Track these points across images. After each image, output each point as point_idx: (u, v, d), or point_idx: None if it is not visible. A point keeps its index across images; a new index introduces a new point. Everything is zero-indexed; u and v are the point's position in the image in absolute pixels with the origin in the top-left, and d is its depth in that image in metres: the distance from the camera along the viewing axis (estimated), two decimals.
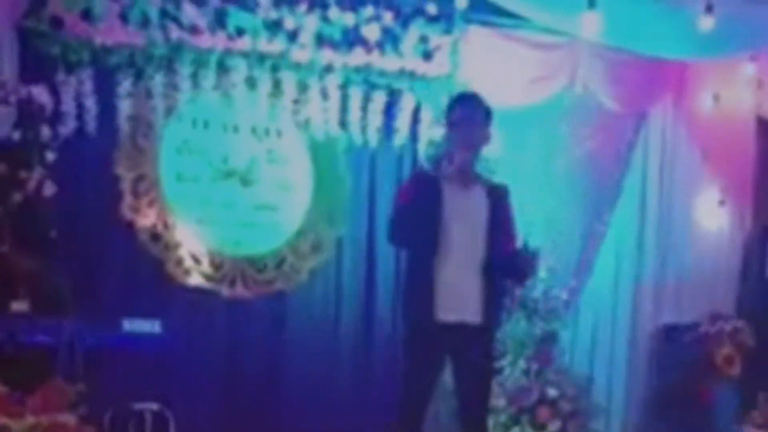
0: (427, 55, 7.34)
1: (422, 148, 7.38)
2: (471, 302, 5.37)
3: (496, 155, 7.51)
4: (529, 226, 7.58)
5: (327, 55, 7.06)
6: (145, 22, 6.65)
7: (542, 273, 7.61)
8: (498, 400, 7.31)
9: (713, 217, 8.35)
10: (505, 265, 5.41)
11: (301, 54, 6.99)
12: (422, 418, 5.54)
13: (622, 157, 8.15)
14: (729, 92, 8.20)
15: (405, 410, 5.55)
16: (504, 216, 5.55)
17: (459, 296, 5.35)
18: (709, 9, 6.83)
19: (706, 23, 6.92)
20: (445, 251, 5.33)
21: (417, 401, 5.49)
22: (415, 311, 5.43)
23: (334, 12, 7.06)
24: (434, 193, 5.33)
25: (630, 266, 8.22)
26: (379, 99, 7.27)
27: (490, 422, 7.22)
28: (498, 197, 5.54)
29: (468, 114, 5.45)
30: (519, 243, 5.46)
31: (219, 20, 6.82)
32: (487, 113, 5.52)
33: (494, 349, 5.77)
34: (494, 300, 5.49)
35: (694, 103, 8.30)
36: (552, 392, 7.42)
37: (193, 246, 6.92)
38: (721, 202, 8.31)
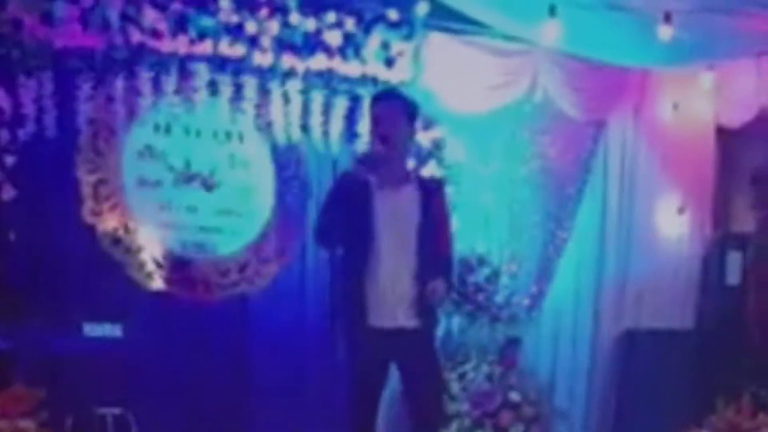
0: (389, 62, 7.33)
1: None
2: (404, 307, 5.33)
3: (457, 161, 7.58)
4: (491, 232, 7.75)
5: (288, 60, 7.03)
6: (105, 26, 6.55)
7: (504, 279, 7.67)
8: (461, 405, 7.35)
9: (673, 224, 8.43)
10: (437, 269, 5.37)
11: (262, 58, 6.96)
12: (372, 423, 5.51)
13: (583, 164, 8.21)
14: (688, 101, 8.28)
15: (353, 419, 5.52)
16: (438, 213, 5.48)
17: (391, 302, 5.30)
18: (667, 18, 6.87)
19: (665, 32, 6.95)
20: (376, 256, 5.28)
21: (363, 408, 5.45)
22: (348, 318, 5.41)
23: (295, 17, 7.02)
24: (362, 197, 5.29)
25: (591, 273, 8.27)
26: (341, 104, 7.25)
27: (453, 427, 7.28)
28: (430, 193, 5.48)
29: (385, 111, 5.41)
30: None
31: (180, 24, 6.73)
32: (408, 109, 5.47)
33: (435, 351, 5.74)
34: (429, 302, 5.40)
35: (654, 112, 8.39)
36: (515, 396, 7.47)
37: (155, 250, 6.85)
38: (681, 210, 8.38)
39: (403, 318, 5.32)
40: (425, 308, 5.34)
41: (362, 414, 5.43)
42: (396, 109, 5.41)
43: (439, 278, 5.27)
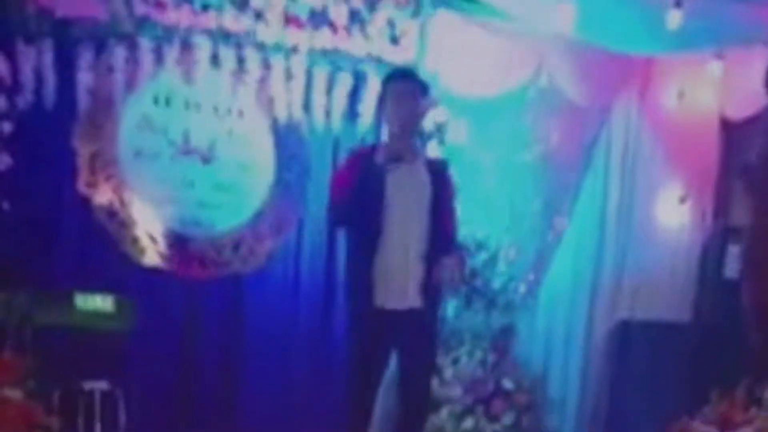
0: (394, 40, 7.26)
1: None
2: (412, 288, 5.33)
3: (459, 144, 7.51)
4: (490, 216, 7.68)
5: (293, 36, 6.96)
6: None
7: (502, 265, 7.61)
8: (453, 390, 7.29)
9: (674, 214, 8.33)
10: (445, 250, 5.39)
11: (266, 33, 6.89)
12: (371, 407, 5.50)
13: (585, 150, 8.12)
14: (694, 90, 8.16)
15: (352, 400, 5.50)
16: (445, 193, 5.53)
17: (400, 282, 5.31)
18: (677, 3, 6.79)
19: (675, 18, 6.88)
20: (386, 234, 5.29)
21: (364, 390, 5.45)
22: (357, 298, 5.39)
23: None
24: (375, 176, 5.29)
25: (589, 261, 8.17)
26: (344, 82, 7.18)
27: (444, 412, 7.24)
28: (439, 173, 5.52)
29: (402, 90, 5.44)
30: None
31: None
32: (423, 89, 5.51)
33: (436, 334, 5.75)
34: (434, 281, 5.43)
35: (659, 99, 8.26)
36: (507, 384, 7.43)
37: (150, 224, 6.80)
38: (683, 199, 8.29)
39: (411, 298, 5.32)
40: (432, 289, 5.37)
41: (361, 396, 5.42)
42: (412, 89, 5.45)
43: (453, 255, 5.34)
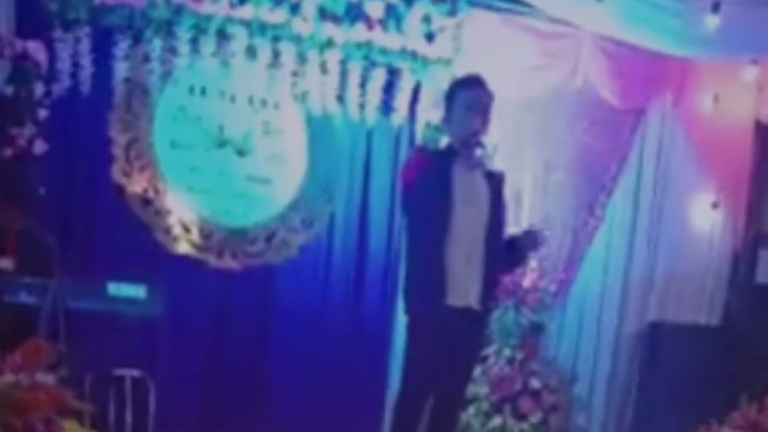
0: (430, 36, 7.25)
1: (420, 130, 7.29)
2: (474, 288, 5.33)
3: (492, 142, 7.47)
4: (522, 215, 7.66)
5: (328, 29, 6.95)
6: None
7: (533, 263, 7.58)
8: (481, 388, 7.27)
9: (706, 219, 8.29)
10: (505, 250, 5.45)
11: (302, 26, 6.88)
12: (422, 410, 5.45)
13: (619, 152, 8.08)
14: (729, 94, 8.13)
15: (405, 401, 5.44)
16: (501, 203, 5.55)
17: (464, 281, 5.31)
18: (716, 8, 6.76)
19: (712, 22, 6.86)
20: (453, 235, 5.29)
21: (420, 391, 5.40)
22: (424, 296, 5.36)
23: None
24: (444, 175, 5.31)
25: (619, 263, 8.14)
26: (379, 77, 7.17)
27: (472, 410, 7.22)
28: (496, 183, 5.54)
29: (480, 96, 5.47)
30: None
31: None
32: (492, 97, 5.54)
33: (486, 338, 5.79)
34: (491, 287, 5.47)
35: (694, 103, 8.22)
36: (535, 383, 7.40)
37: (183, 214, 6.82)
38: (715, 205, 8.25)
39: (473, 298, 5.32)
40: (490, 293, 5.40)
41: (415, 398, 5.38)
42: (487, 96, 5.48)
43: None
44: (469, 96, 5.47)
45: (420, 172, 5.33)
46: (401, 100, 7.24)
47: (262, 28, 6.83)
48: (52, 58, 6.33)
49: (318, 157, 7.21)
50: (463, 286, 5.30)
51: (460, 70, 6.95)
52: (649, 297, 8.19)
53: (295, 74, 7.00)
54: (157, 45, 6.65)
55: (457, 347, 5.36)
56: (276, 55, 6.94)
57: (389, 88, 7.24)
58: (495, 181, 5.54)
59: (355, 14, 7.04)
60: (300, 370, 7.05)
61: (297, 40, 6.93)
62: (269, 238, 7.08)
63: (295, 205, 7.15)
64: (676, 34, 7.39)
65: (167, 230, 6.79)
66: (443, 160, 5.35)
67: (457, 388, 5.57)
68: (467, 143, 5.34)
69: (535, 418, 7.33)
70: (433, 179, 5.28)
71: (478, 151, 5.34)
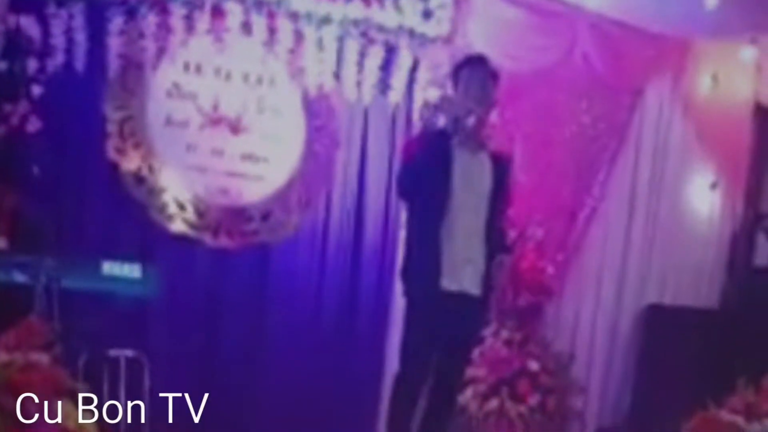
0: (427, 14, 7.16)
1: (417, 108, 7.20)
2: (472, 272, 5.30)
3: (490, 120, 7.41)
4: (519, 195, 7.59)
5: (325, 6, 6.86)
6: None
7: (530, 244, 7.54)
8: (478, 370, 7.22)
9: (704, 199, 8.27)
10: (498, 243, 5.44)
11: (299, 2, 6.79)
12: (419, 392, 5.43)
13: (617, 132, 8.05)
14: (728, 75, 8.10)
15: (403, 382, 5.42)
16: (506, 189, 5.54)
17: (461, 265, 5.28)
18: None
19: (711, 1, 6.82)
20: (452, 217, 5.24)
21: (417, 373, 5.37)
22: (420, 280, 5.34)
23: None
24: (444, 156, 5.26)
25: (617, 244, 8.11)
26: (376, 54, 7.07)
27: (469, 392, 7.17)
28: (502, 166, 5.51)
29: (481, 77, 5.45)
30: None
31: None
32: (497, 77, 5.52)
33: (484, 323, 5.76)
34: (491, 271, 5.43)
35: (693, 83, 8.19)
36: (533, 365, 7.35)
37: (178, 192, 6.73)
38: (714, 185, 8.22)
39: (468, 283, 5.27)
40: (489, 278, 5.36)
41: (412, 379, 5.36)
42: (489, 76, 5.46)
43: (504, 255, 5.49)
44: (465, 75, 5.47)
45: (421, 149, 5.27)
46: (398, 79, 7.16)
47: (258, 4, 6.73)
48: (46, 33, 6.24)
49: (315, 135, 7.12)
50: (460, 271, 5.27)
51: (458, 49, 6.91)
52: (647, 279, 8.17)
53: (291, 51, 6.91)
54: (151, 21, 6.54)
55: (454, 331, 5.33)
56: (272, 31, 6.83)
57: (386, 66, 7.14)
58: (501, 164, 5.50)
59: None
60: (296, 350, 6.99)
61: (293, 16, 6.84)
62: (265, 217, 6.98)
63: (291, 184, 7.06)
64: (674, 13, 7.34)
65: (162, 209, 6.69)
66: (444, 140, 5.28)
67: (454, 372, 5.58)
68: (460, 123, 5.29)
69: (533, 400, 7.29)
70: (433, 158, 5.23)
71: (472, 130, 5.30)
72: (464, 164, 5.31)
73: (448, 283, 5.25)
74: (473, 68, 5.48)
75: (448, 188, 5.25)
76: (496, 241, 5.41)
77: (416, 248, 5.39)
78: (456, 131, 5.27)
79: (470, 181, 5.32)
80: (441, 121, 5.30)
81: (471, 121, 5.28)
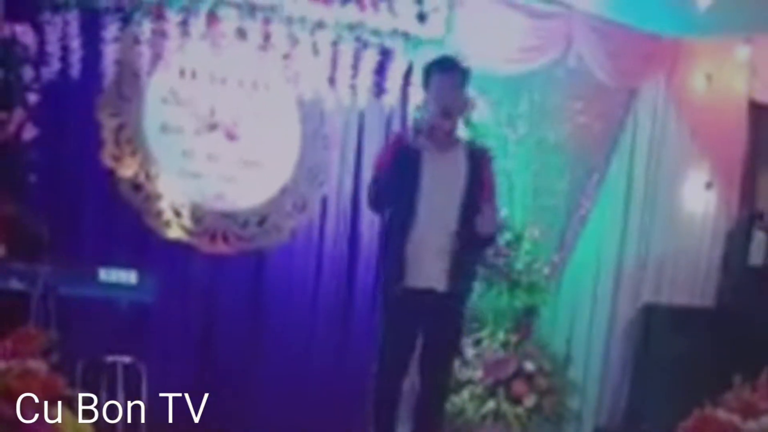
0: (422, 17, 7.18)
1: (411, 111, 7.23)
2: (438, 268, 5.34)
3: (484, 122, 7.43)
4: (514, 196, 7.62)
5: (319, 10, 6.88)
6: None
7: (526, 245, 7.54)
8: (474, 372, 7.24)
9: (699, 199, 8.28)
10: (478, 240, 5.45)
11: (293, 7, 6.81)
12: (398, 389, 5.49)
13: (612, 132, 8.07)
14: (722, 73, 8.11)
15: (381, 380, 5.49)
16: (486, 185, 5.53)
17: (427, 261, 5.33)
18: None
19: (704, 1, 6.83)
20: (418, 216, 5.32)
21: (392, 370, 5.44)
22: (388, 277, 5.45)
23: None
24: (412, 160, 5.32)
25: (613, 244, 8.13)
26: (371, 58, 7.09)
27: (465, 393, 7.19)
28: (478, 161, 5.52)
29: (446, 82, 5.45)
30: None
31: None
32: (465, 78, 5.54)
33: (462, 319, 5.75)
34: (465, 268, 5.48)
35: (687, 82, 8.20)
36: (529, 366, 7.35)
37: (175, 198, 6.76)
38: (709, 185, 8.23)
39: (436, 280, 5.29)
40: (460, 273, 5.38)
41: (389, 376, 5.41)
42: (456, 80, 5.48)
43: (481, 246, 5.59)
44: (433, 78, 5.49)
45: (388, 162, 5.35)
46: (393, 82, 7.18)
47: (253, 9, 6.76)
48: (41, 41, 6.26)
49: (310, 140, 7.14)
50: (425, 268, 5.32)
51: (453, 51, 6.92)
52: (643, 279, 8.19)
53: (286, 56, 6.94)
54: (146, 27, 6.58)
55: (426, 328, 5.38)
56: (266, 37, 6.86)
57: (381, 70, 7.17)
58: (476, 158, 5.51)
59: None
60: (292, 355, 7.02)
61: (287, 21, 6.85)
62: (261, 223, 7.01)
63: (286, 189, 7.08)
64: (668, 13, 7.36)
65: (158, 215, 6.72)
66: (413, 146, 5.34)
67: (436, 372, 5.59)
68: (432, 125, 5.34)
69: (530, 401, 7.28)
70: (400, 168, 5.29)
71: (444, 130, 5.36)
72: (433, 165, 5.37)
73: (413, 281, 5.31)
74: (442, 76, 5.49)
75: (414, 195, 5.32)
76: (472, 234, 5.40)
77: (385, 246, 5.54)
78: (429, 134, 5.35)
79: (441, 180, 5.37)
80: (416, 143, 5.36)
81: (442, 130, 5.34)
